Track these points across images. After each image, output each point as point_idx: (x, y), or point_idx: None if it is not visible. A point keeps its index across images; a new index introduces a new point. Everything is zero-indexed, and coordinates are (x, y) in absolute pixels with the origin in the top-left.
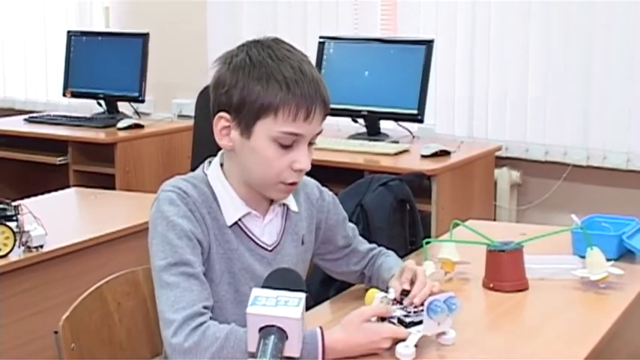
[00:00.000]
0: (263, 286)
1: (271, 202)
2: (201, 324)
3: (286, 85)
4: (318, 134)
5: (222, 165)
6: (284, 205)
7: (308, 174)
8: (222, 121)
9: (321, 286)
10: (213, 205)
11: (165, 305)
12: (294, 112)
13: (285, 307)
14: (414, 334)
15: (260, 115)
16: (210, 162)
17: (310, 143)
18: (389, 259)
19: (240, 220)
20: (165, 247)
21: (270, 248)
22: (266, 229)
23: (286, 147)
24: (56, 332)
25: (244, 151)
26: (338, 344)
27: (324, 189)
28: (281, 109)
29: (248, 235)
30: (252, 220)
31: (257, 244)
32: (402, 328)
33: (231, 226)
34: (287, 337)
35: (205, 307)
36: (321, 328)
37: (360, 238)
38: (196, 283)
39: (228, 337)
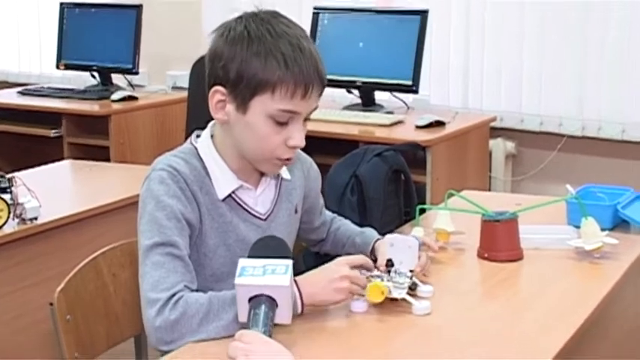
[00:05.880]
0: (249, 256)
1: (262, 172)
2: (182, 297)
3: (285, 62)
4: (314, 110)
5: (212, 136)
6: (277, 174)
7: (305, 146)
8: (217, 95)
9: (316, 257)
10: (205, 179)
11: (149, 284)
12: (292, 90)
13: (273, 275)
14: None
15: (257, 91)
16: (198, 135)
17: (305, 119)
18: (345, 225)
19: (233, 192)
20: (153, 226)
21: (264, 217)
22: (259, 199)
23: (282, 124)
24: (51, 304)
25: (239, 125)
26: (307, 283)
27: (313, 161)
28: (279, 87)
29: (241, 206)
30: (244, 192)
31: (250, 213)
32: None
33: (224, 199)
34: (277, 305)
35: (187, 287)
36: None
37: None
38: (181, 264)
39: (212, 300)
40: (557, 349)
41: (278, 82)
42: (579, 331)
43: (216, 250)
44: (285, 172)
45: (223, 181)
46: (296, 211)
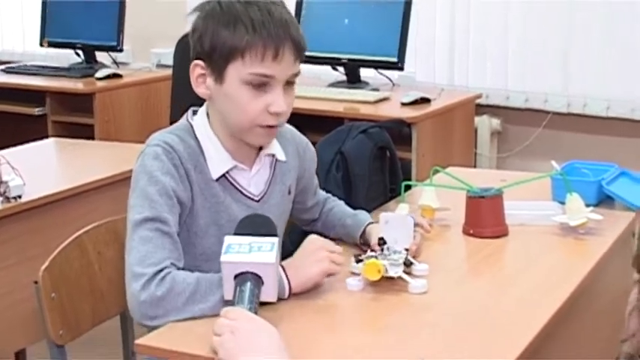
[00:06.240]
0: (235, 234)
1: (258, 152)
2: (169, 273)
3: (252, 26)
4: (295, 75)
5: (208, 115)
6: (272, 155)
7: (290, 123)
8: (197, 69)
9: (303, 235)
10: (199, 158)
11: (136, 259)
12: (262, 53)
13: (259, 252)
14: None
15: (229, 59)
16: (194, 111)
17: (289, 83)
18: (338, 206)
19: (227, 172)
20: (145, 201)
21: (257, 198)
22: (253, 180)
23: (259, 90)
24: (36, 282)
25: (220, 97)
26: (289, 265)
27: (309, 142)
28: (248, 51)
29: (235, 187)
30: (238, 173)
31: (244, 194)
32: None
33: (217, 179)
34: (263, 283)
35: (173, 265)
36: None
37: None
38: (169, 241)
39: (199, 281)
40: (542, 324)
41: (247, 47)
42: (564, 306)
43: (207, 229)
44: (280, 154)
45: (218, 160)
46: (289, 192)
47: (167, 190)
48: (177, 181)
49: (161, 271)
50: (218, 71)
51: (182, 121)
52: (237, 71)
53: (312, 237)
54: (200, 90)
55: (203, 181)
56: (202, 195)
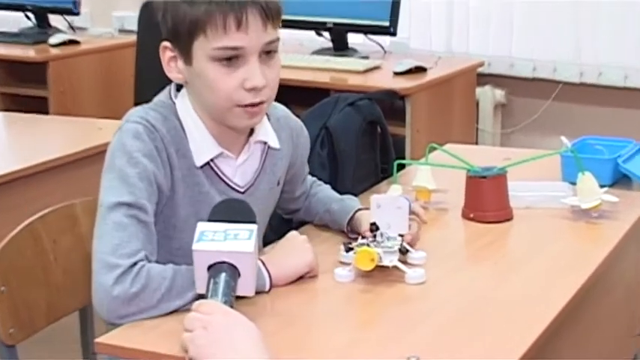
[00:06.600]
0: (209, 220)
1: (247, 139)
2: (143, 267)
3: None
4: (271, 43)
5: None
6: (264, 143)
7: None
8: (167, 52)
9: (283, 221)
10: (183, 142)
11: (108, 247)
12: (222, 24)
13: (236, 240)
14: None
15: (193, 36)
16: (178, 86)
17: (268, 53)
18: (323, 191)
19: (211, 160)
20: (122, 184)
21: (242, 190)
22: (239, 169)
23: (231, 65)
24: None
25: (192, 79)
26: (270, 257)
27: (304, 126)
28: (209, 24)
29: (218, 176)
30: (224, 161)
31: (228, 185)
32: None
33: (201, 167)
34: (239, 274)
35: (147, 258)
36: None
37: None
38: (144, 232)
39: (175, 276)
40: (550, 318)
41: (207, 20)
42: (575, 298)
43: (187, 221)
44: (273, 140)
45: (202, 146)
46: (278, 184)
47: (148, 175)
48: (158, 165)
49: (136, 264)
50: (185, 51)
51: (163, 97)
52: (202, 48)
53: (294, 233)
54: (173, 75)
55: (186, 167)
56: (184, 183)
